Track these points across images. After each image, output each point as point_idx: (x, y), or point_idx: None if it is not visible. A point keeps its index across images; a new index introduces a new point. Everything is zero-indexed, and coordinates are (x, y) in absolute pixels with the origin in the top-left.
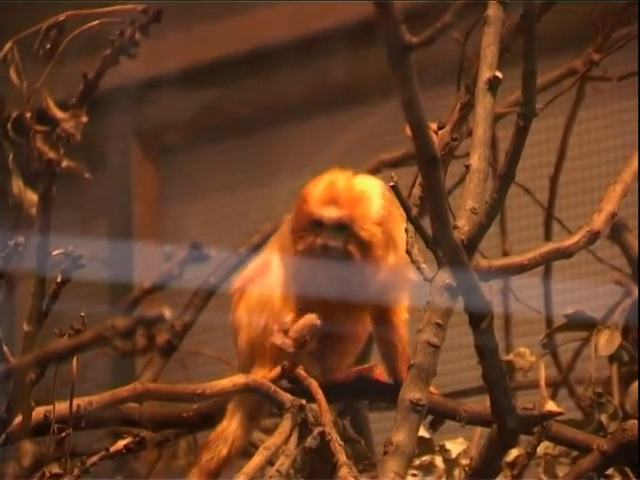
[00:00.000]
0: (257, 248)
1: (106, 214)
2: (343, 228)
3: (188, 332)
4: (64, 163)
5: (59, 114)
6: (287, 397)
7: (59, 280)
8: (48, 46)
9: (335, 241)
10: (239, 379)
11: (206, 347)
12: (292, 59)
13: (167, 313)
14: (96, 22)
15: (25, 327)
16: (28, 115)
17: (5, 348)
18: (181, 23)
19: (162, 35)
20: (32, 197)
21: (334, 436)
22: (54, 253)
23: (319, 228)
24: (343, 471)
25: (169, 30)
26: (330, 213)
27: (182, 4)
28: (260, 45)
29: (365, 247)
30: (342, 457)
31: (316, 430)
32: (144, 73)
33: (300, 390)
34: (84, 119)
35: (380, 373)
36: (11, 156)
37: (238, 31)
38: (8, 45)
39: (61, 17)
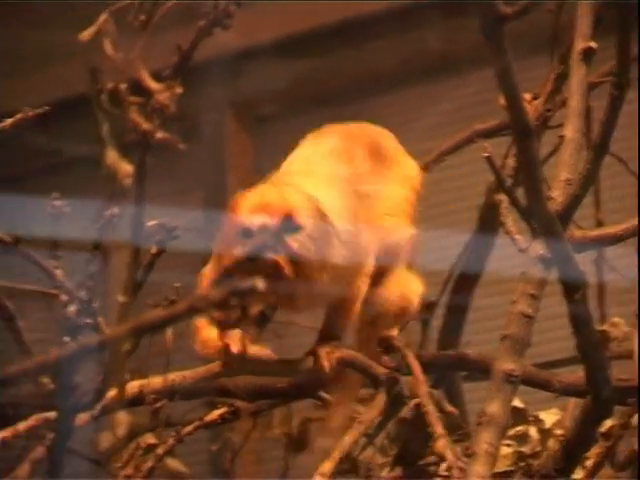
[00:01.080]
0: None
1: (201, 185)
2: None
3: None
4: (158, 134)
5: (153, 85)
6: (381, 370)
7: (154, 251)
8: (143, 17)
9: (264, 251)
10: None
11: (300, 317)
12: (386, 29)
13: (260, 284)
14: None
15: (120, 298)
16: (123, 86)
17: (100, 319)
18: None
19: (257, 6)
20: (126, 168)
21: (430, 408)
22: (149, 224)
23: (248, 238)
24: (440, 442)
25: (264, 0)
26: (260, 220)
27: None
28: (355, 15)
29: (296, 261)
30: (439, 429)
31: (412, 402)
32: (239, 44)
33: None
34: (178, 91)
35: None
36: (105, 127)
37: (333, 1)
38: (103, 16)
39: None
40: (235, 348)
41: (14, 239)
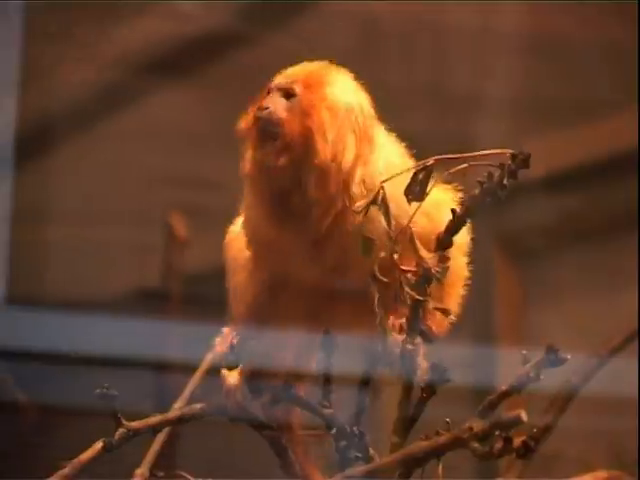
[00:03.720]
0: (617, 350)
1: (469, 320)
2: (289, 96)
3: (549, 435)
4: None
5: (424, 254)
6: None
7: (425, 393)
8: (417, 189)
9: (273, 103)
10: (601, 474)
11: (568, 451)
12: None
13: (523, 416)
14: (464, 165)
15: (392, 439)
16: (395, 256)
17: (372, 452)
18: (541, 130)
19: (523, 142)
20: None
21: None
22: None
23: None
24: None
25: (529, 137)
26: (281, 78)
27: (542, 111)
28: (616, 151)
29: (305, 128)
30: None
31: None
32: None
33: None
34: (449, 263)
35: None
36: (377, 297)
37: (595, 137)
38: (381, 189)
39: (430, 162)
40: None
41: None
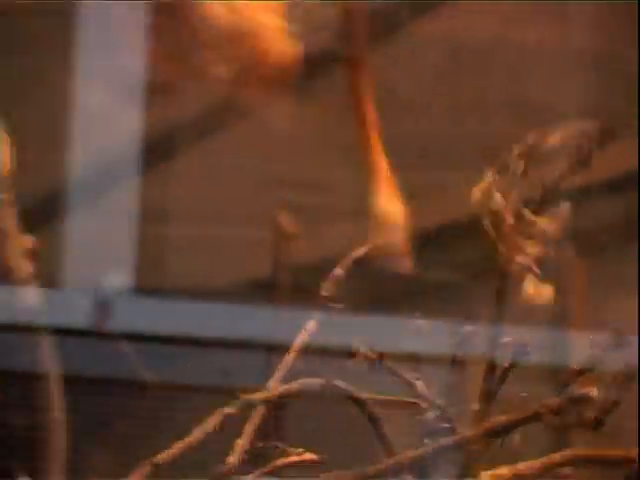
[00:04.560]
0: None
1: (547, 308)
2: None
3: (616, 410)
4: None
5: (531, 218)
6: None
7: (507, 365)
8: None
9: None
10: None
11: (630, 423)
12: None
13: (594, 392)
14: (559, 133)
15: (475, 407)
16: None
17: (456, 424)
18: None
19: None
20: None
21: None
22: (504, 341)
23: None
24: None
25: None
26: None
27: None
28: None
29: None
30: None
31: None
32: None
33: None
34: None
35: None
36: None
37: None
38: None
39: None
40: None
41: (378, 355)
